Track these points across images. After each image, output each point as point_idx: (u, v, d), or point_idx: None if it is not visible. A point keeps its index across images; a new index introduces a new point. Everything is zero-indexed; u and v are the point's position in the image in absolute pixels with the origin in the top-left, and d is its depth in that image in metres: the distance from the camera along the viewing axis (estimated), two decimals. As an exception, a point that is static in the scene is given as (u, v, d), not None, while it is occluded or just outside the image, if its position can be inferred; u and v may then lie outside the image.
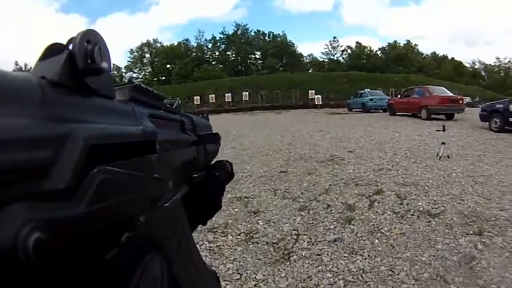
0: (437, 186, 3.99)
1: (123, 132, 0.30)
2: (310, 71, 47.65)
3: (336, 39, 54.94)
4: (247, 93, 25.49)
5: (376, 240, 2.65)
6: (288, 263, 2.35)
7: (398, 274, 2.16)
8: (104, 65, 0.26)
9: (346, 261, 2.34)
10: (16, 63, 48.33)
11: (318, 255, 2.45)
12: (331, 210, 3.33)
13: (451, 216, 3.03)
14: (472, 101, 22.44)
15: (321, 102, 22.28)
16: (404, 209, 3.29)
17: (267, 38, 53.83)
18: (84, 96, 0.26)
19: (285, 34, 54.04)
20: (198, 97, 25.49)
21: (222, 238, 2.76)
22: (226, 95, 25.32)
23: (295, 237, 2.76)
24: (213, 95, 25.66)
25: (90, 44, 0.25)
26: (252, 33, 53.87)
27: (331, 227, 2.95)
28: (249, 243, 2.67)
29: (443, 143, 5.31)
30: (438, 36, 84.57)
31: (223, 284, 2.05)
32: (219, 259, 2.42)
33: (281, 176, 4.72)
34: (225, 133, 7.75)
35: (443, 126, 5.88)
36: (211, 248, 2.59)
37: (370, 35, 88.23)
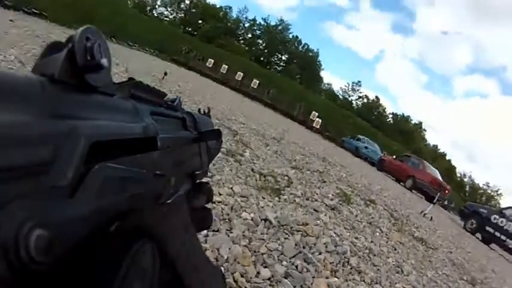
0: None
1: (124, 129, 0.30)
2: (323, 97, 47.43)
3: (359, 83, 55.40)
4: (257, 81, 24.80)
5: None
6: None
7: None
8: (104, 61, 0.25)
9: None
10: None
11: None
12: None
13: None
14: (447, 204, 20.67)
15: (318, 127, 21.84)
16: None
17: (300, 48, 53.50)
18: (84, 93, 0.25)
19: (318, 51, 54.15)
20: (212, 60, 25.03)
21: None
22: (238, 73, 24.55)
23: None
24: (226, 66, 24.88)
25: (90, 41, 0.25)
26: (290, 36, 53.41)
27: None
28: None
29: (433, 203, 4.89)
30: (445, 133, 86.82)
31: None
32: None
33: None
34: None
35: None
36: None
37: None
